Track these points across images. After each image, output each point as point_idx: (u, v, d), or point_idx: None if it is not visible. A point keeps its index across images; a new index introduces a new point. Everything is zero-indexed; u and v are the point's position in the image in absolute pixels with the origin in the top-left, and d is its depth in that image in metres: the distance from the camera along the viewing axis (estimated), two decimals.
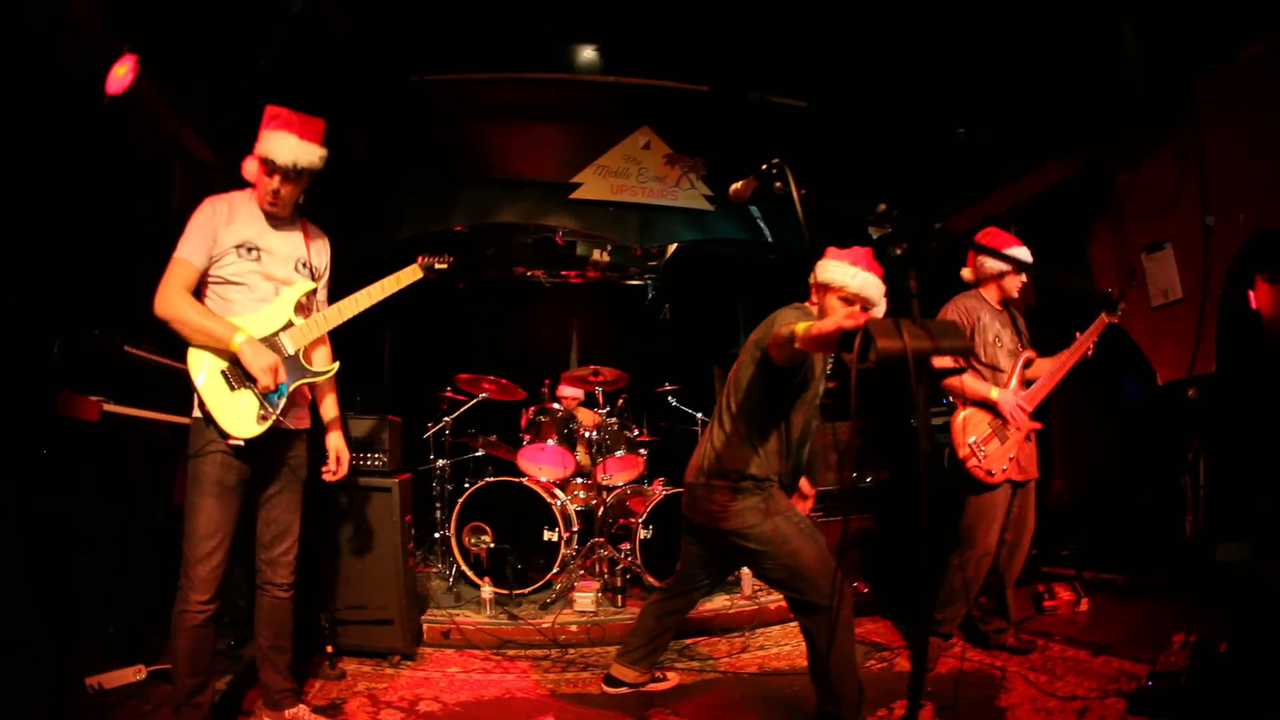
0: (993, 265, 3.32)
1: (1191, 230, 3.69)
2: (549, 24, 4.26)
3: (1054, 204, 4.33)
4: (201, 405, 2.32)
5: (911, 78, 4.00)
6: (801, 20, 4.00)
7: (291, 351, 2.50)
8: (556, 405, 5.09)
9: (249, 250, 2.44)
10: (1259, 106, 3.42)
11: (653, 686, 3.18)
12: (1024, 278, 3.35)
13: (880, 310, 2.67)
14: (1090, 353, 3.24)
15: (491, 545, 4.42)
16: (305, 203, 3.99)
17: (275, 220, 2.53)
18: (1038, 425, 3.27)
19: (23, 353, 2.48)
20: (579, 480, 5.08)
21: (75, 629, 2.68)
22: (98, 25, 2.74)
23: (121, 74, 2.75)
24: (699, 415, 5.29)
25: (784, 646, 3.73)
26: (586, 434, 4.93)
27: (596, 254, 6.35)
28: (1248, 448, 3.33)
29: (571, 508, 4.90)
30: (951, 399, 3.35)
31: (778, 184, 2.23)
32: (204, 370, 2.33)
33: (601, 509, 4.77)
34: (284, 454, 2.57)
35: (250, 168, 2.46)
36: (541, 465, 4.91)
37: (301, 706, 2.69)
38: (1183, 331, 3.17)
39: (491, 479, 4.59)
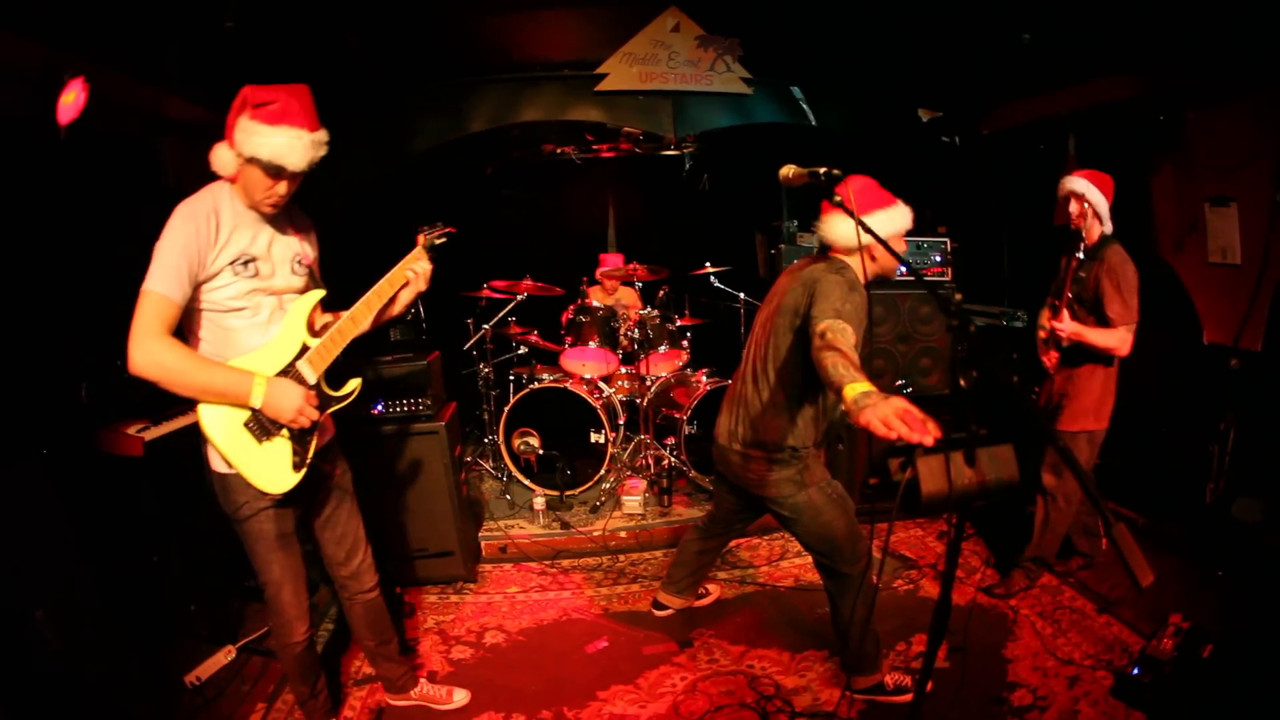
0: None
1: (1259, 200, 3.25)
2: None
3: (1118, 120, 3.81)
4: (230, 466, 2.04)
5: None
6: None
7: (313, 381, 2.14)
8: (596, 304, 5.05)
9: (245, 264, 2.02)
10: None
11: (696, 603, 3.47)
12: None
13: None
14: None
15: (540, 452, 4.63)
16: None
17: (267, 217, 2.11)
18: None
19: (55, 403, 2.50)
20: (623, 370, 5.16)
21: (164, 632, 2.84)
22: (36, 54, 2.46)
23: (71, 100, 2.47)
24: (741, 295, 5.19)
25: None
26: (629, 334, 4.93)
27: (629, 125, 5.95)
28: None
29: (617, 398, 5.04)
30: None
31: (837, 198, 2.12)
32: (222, 428, 1.99)
33: (645, 401, 4.89)
34: (323, 474, 2.37)
35: (223, 158, 2.00)
36: (585, 362, 4.97)
37: (423, 682, 2.80)
38: (1235, 296, 2.86)
39: (536, 386, 4.69)
